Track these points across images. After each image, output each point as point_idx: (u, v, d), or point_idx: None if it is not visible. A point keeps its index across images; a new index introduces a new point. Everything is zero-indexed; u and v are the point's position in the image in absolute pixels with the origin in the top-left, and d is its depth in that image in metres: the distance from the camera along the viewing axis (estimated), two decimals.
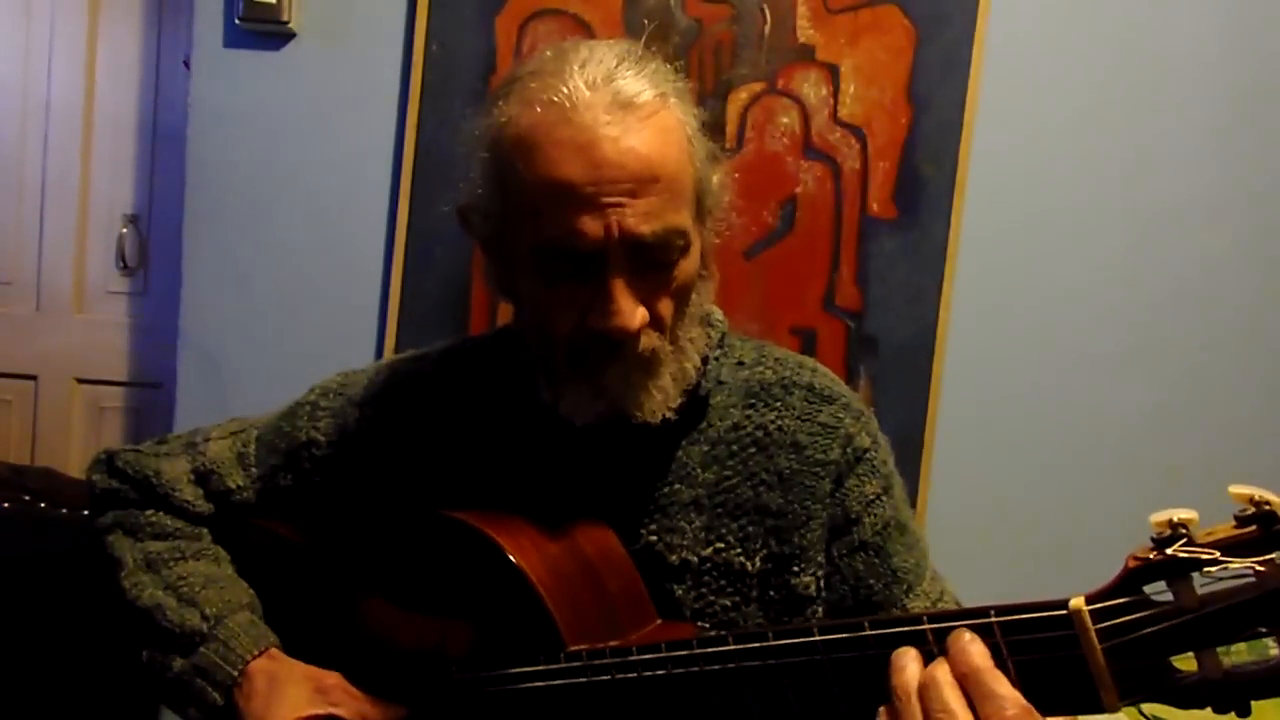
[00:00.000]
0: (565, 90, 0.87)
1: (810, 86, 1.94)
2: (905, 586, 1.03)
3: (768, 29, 1.94)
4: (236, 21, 1.93)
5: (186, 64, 2.09)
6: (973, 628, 0.71)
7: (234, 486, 1.12)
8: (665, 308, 0.93)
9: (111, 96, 2.42)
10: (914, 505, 1.94)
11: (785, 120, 1.95)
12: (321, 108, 1.97)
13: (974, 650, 0.69)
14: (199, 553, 1.11)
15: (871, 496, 1.03)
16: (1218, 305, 1.99)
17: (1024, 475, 1.99)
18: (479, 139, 0.94)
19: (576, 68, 0.89)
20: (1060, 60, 1.97)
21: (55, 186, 2.44)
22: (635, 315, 0.89)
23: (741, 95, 1.95)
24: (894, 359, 1.96)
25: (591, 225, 0.87)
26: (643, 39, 0.95)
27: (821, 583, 1.01)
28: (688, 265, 0.93)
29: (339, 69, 1.96)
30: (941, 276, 1.95)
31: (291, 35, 1.96)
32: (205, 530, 1.14)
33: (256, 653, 1.03)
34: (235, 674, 1.01)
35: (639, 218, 0.87)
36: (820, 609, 1.01)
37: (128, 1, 2.40)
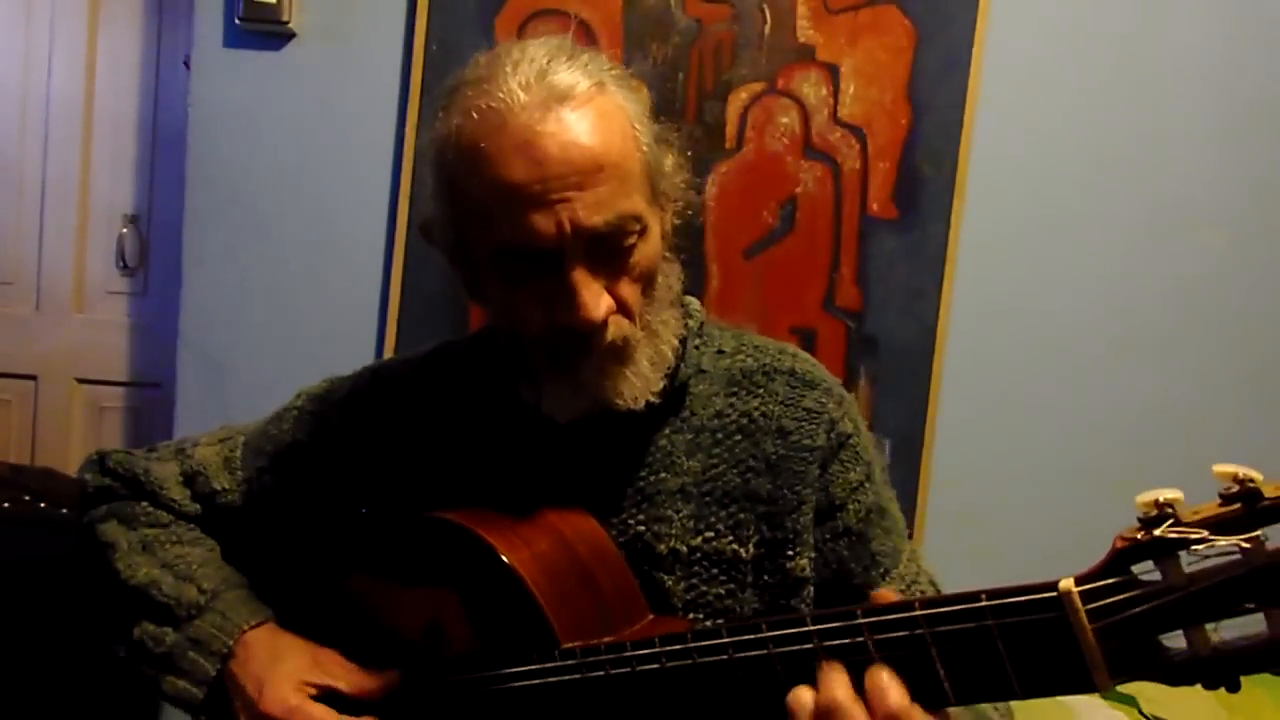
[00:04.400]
0: (501, 95, 0.88)
1: (810, 86, 1.94)
2: (882, 570, 1.04)
3: (768, 29, 1.94)
4: (236, 21, 1.93)
5: (186, 64, 2.09)
6: (964, 612, 0.71)
7: (220, 488, 1.12)
8: (630, 293, 0.93)
9: (111, 96, 2.42)
10: (914, 505, 1.94)
11: (785, 120, 1.95)
12: (321, 108, 1.97)
13: (892, 691, 0.72)
14: (195, 539, 1.12)
15: (855, 483, 1.04)
16: (1218, 305, 1.99)
17: (1024, 475, 1.99)
18: (429, 149, 0.96)
19: (509, 70, 0.89)
20: (1060, 60, 1.97)
21: (55, 186, 2.45)
22: (599, 305, 0.90)
23: (741, 95, 1.95)
24: (894, 359, 1.96)
25: (543, 223, 0.88)
26: (570, 34, 0.96)
27: (812, 564, 1.02)
28: (647, 249, 0.94)
29: (339, 69, 1.96)
30: (941, 277, 1.95)
31: (291, 35, 1.96)
32: (198, 528, 1.14)
33: (254, 623, 1.04)
34: (231, 643, 1.02)
35: (589, 209, 0.88)
36: (813, 589, 1.02)
37: (128, 1, 2.41)
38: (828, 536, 1.02)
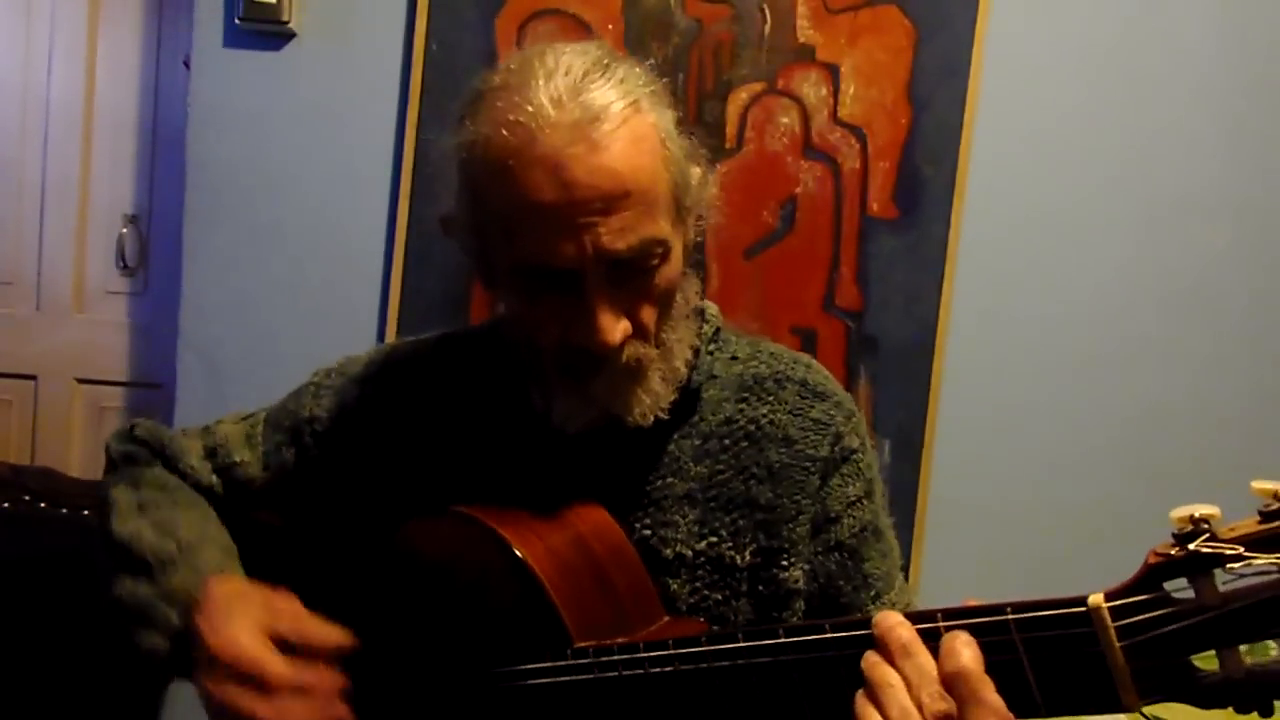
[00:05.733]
0: (530, 109, 0.86)
1: (810, 86, 1.94)
2: (874, 593, 1.04)
3: (768, 29, 1.94)
4: (236, 21, 1.93)
5: (186, 64, 2.09)
6: (988, 624, 0.70)
7: (239, 460, 1.12)
8: (648, 315, 0.93)
9: (111, 96, 2.42)
10: (914, 505, 1.94)
11: (785, 120, 1.95)
12: (321, 108, 1.97)
13: (967, 653, 0.69)
14: (192, 503, 1.09)
15: (854, 498, 1.04)
16: (1218, 304, 1.99)
17: (1024, 475, 1.99)
18: (453, 153, 0.94)
19: (542, 82, 0.87)
20: (1060, 60, 1.97)
21: (55, 186, 2.44)
22: (616, 330, 0.90)
23: (741, 95, 1.95)
24: (894, 359, 1.96)
25: (566, 246, 0.87)
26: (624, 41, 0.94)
27: (805, 576, 1.02)
28: (668, 271, 0.93)
29: (339, 69, 1.96)
30: (941, 276, 1.95)
31: (291, 35, 1.95)
32: (204, 500, 1.11)
33: (221, 574, 0.98)
34: (196, 595, 0.96)
35: (613, 235, 0.87)
36: (803, 602, 1.02)
37: (128, 1, 2.40)
38: (819, 550, 1.02)
